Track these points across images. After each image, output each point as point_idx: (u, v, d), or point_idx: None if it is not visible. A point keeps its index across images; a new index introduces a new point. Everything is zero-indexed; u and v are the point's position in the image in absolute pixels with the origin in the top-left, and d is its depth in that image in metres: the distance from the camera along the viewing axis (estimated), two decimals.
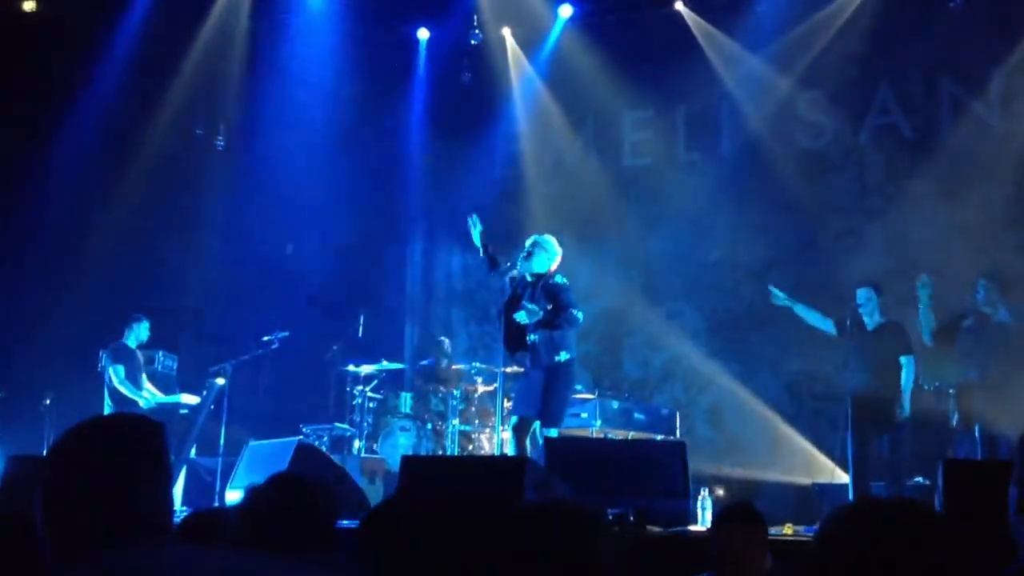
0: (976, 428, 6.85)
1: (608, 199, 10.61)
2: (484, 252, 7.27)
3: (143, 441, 1.84)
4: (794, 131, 10.10)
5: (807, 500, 8.12)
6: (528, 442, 6.89)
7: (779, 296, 7.68)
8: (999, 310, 6.83)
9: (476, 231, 7.24)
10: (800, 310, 7.66)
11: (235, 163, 10.57)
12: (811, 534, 6.31)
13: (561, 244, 7.27)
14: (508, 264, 7.14)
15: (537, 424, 6.87)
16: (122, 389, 8.44)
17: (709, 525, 5.95)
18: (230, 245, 10.22)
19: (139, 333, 8.67)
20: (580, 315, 6.93)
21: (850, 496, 6.97)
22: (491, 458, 7.23)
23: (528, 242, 7.20)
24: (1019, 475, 2.19)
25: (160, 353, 8.87)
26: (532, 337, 6.94)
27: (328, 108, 10.50)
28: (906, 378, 7.02)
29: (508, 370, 7.70)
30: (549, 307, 6.88)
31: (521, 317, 6.86)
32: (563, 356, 6.90)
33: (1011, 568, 2.06)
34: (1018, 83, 9.16)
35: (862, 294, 7.35)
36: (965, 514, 3.95)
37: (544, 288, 6.99)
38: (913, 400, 7.08)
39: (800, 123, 10.12)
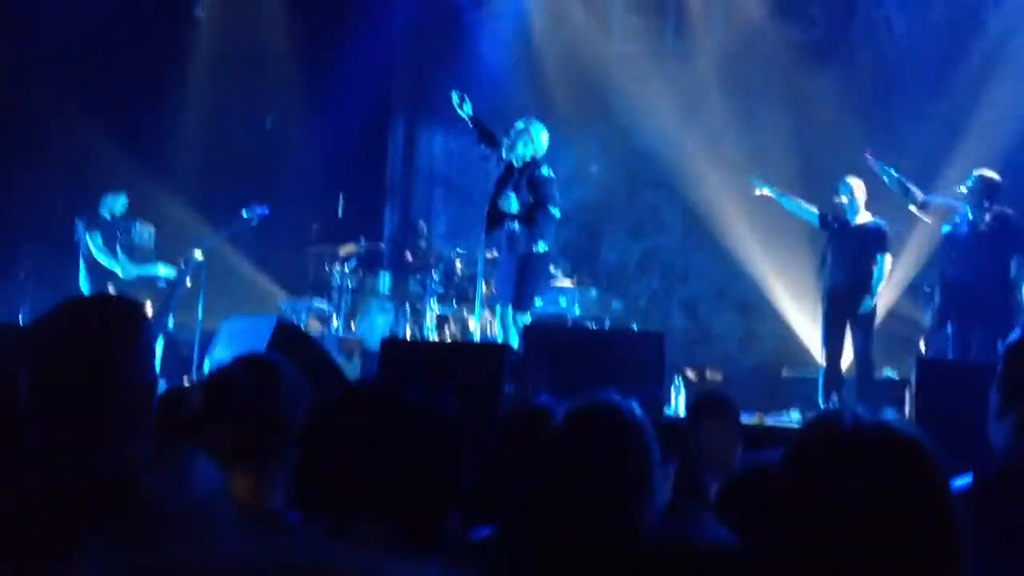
0: (948, 327, 6.93)
1: (595, 85, 10.43)
2: (474, 125, 7.18)
3: (127, 322, 1.83)
4: (786, 22, 9.91)
5: (778, 389, 8.30)
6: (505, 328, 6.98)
7: (762, 186, 7.64)
8: (984, 211, 6.82)
9: (466, 106, 7.16)
10: (785, 202, 7.65)
11: (214, 34, 10.28)
12: (780, 423, 6.46)
13: (547, 129, 7.20)
14: (505, 142, 7.09)
15: (511, 309, 6.95)
16: (99, 258, 8.36)
17: (683, 412, 6.08)
18: (210, 117, 10.02)
19: (114, 205, 8.54)
20: (557, 212, 6.98)
21: (820, 389, 7.11)
22: (471, 344, 7.29)
23: (518, 126, 7.12)
24: (1001, 380, 2.21)
25: (137, 224, 8.75)
26: (512, 226, 6.96)
27: None
28: (878, 275, 7.07)
29: (489, 255, 7.70)
30: (531, 200, 6.87)
31: (505, 204, 6.88)
32: (541, 247, 6.93)
33: (987, 471, 2.09)
34: None
35: (845, 190, 7.33)
36: (939, 414, 4.03)
37: (529, 178, 6.96)
38: (889, 294, 7.16)
39: (792, 13, 9.92)
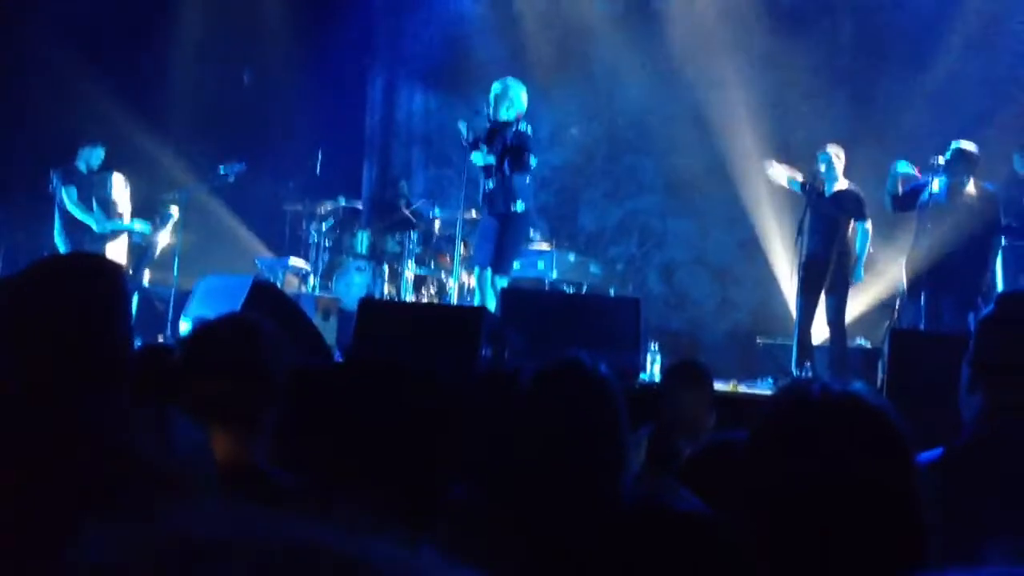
0: (921, 297, 6.98)
1: (576, 45, 10.36)
2: (468, 143, 7.12)
3: (106, 283, 1.83)
4: None
5: (752, 356, 8.35)
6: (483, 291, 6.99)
7: (774, 172, 7.57)
8: (960, 182, 6.86)
9: (465, 129, 7.10)
10: (793, 184, 7.59)
11: None
12: (753, 391, 6.51)
13: (526, 88, 7.17)
14: (484, 105, 7.07)
15: (489, 272, 6.95)
16: (73, 212, 8.26)
17: (658, 377, 6.12)
18: (189, 72, 9.89)
19: (91, 158, 8.43)
20: (534, 161, 6.95)
21: (793, 358, 7.16)
22: (448, 307, 7.29)
23: (497, 87, 7.08)
24: (973, 355, 2.23)
25: (112, 176, 8.64)
26: (489, 184, 6.95)
27: None
28: (860, 244, 7.09)
29: (467, 216, 7.69)
30: (508, 158, 6.86)
31: (476, 159, 6.87)
32: (519, 206, 6.92)
33: (956, 444, 2.12)
34: None
35: (823, 158, 7.33)
36: (911, 385, 4.08)
37: (507, 136, 6.94)
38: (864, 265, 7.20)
39: None
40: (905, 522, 1.27)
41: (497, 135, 7.01)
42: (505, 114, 6.99)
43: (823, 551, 1.26)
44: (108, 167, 8.60)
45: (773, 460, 1.30)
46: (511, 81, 7.17)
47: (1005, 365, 2.16)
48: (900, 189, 7.14)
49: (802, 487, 1.26)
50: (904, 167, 7.09)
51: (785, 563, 1.27)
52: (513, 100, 7.03)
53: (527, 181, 7.02)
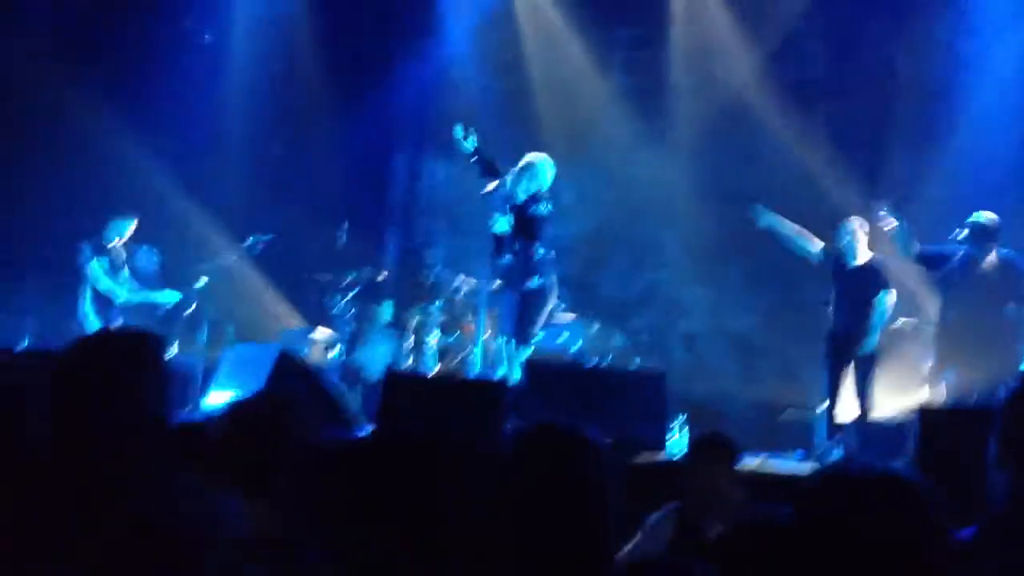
0: (952, 371, 6.94)
1: (597, 118, 10.51)
2: (477, 158, 7.13)
3: (147, 355, 1.90)
4: (787, 60, 9.99)
5: (778, 428, 8.27)
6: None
7: (765, 215, 7.62)
8: (982, 257, 6.85)
9: (469, 139, 7.11)
10: (787, 230, 7.61)
11: (219, 60, 10.38)
12: (778, 464, 6.44)
13: (554, 167, 7.23)
14: (510, 174, 7.10)
15: (512, 343, 6.97)
16: (103, 283, 8.38)
17: (682, 451, 6.07)
18: (217, 143, 10.08)
19: (122, 229, 8.58)
20: (541, 251, 6.96)
21: (822, 431, 7.09)
22: (472, 379, 7.30)
23: (523, 162, 7.16)
24: (1000, 430, 2.23)
25: (144, 248, 8.79)
26: (507, 259, 6.98)
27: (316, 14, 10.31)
28: (879, 314, 7.05)
29: (494, 285, 7.73)
30: (524, 235, 6.90)
31: (494, 227, 6.92)
32: (535, 282, 6.96)
33: (981, 519, 2.12)
34: None
35: (844, 231, 7.35)
36: (939, 463, 4.04)
37: (525, 213, 6.97)
38: (889, 337, 7.17)
39: (793, 52, 10.01)
40: None
41: (514, 207, 7.04)
42: (526, 185, 7.04)
43: None
44: (138, 238, 8.75)
45: (817, 539, 1.31)
46: (541, 157, 7.22)
47: None
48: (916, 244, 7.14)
49: (846, 565, 1.27)
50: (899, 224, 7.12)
51: None
52: (537, 174, 7.09)
53: (543, 255, 7.04)
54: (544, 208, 7.03)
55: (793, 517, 1.36)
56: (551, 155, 7.47)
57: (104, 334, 1.99)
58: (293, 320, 9.63)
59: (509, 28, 10.84)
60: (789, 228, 7.57)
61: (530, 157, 7.19)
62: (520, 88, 10.70)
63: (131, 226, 8.63)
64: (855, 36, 9.80)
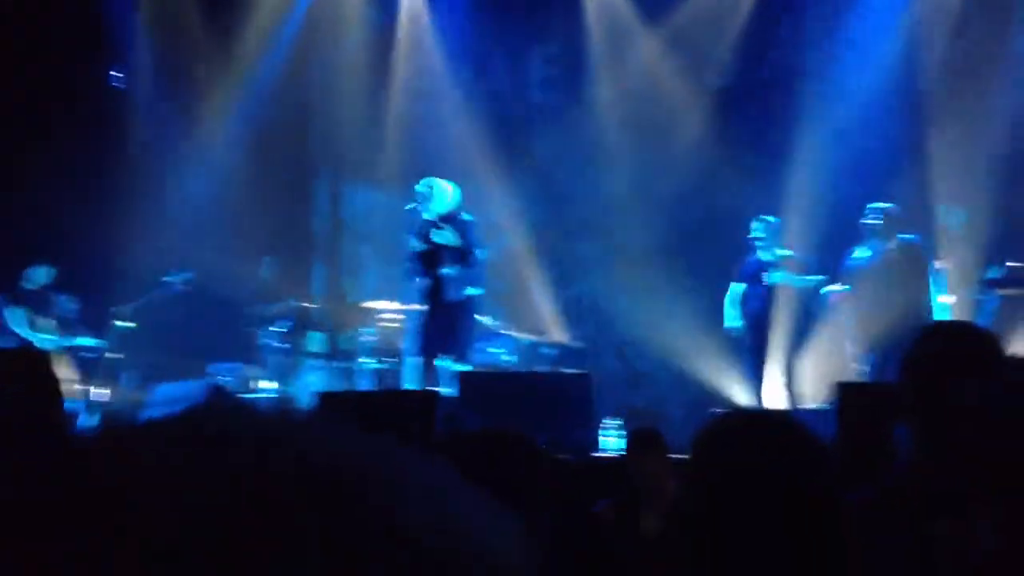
0: (871, 357, 7.15)
1: (516, 135, 10.61)
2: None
3: (31, 365, 1.88)
4: (699, 68, 10.23)
5: None
6: (430, 379, 7.05)
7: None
8: (892, 241, 7.11)
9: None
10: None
11: (132, 102, 10.29)
12: None
13: (469, 180, 7.39)
14: (416, 204, 7.28)
15: (442, 360, 7.03)
16: (20, 332, 8.20)
17: (612, 452, 6.15)
18: (131, 182, 9.95)
19: (37, 276, 8.41)
20: (483, 255, 7.15)
21: None
22: (402, 392, 7.31)
23: (422, 186, 7.34)
24: (902, 382, 2.31)
25: (61, 296, 8.62)
26: (445, 271, 7.08)
27: None
28: (797, 280, 7.35)
29: (417, 307, 7.76)
30: (460, 243, 7.03)
31: (439, 238, 7.02)
32: (471, 291, 7.04)
33: (888, 475, 2.19)
34: None
35: (758, 228, 7.56)
36: (857, 434, 4.15)
37: (453, 225, 7.10)
38: (813, 328, 7.38)
39: (705, 59, 10.25)
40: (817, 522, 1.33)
41: (438, 228, 7.17)
42: (438, 206, 7.24)
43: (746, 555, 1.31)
44: (55, 285, 8.59)
45: (704, 475, 1.37)
46: (431, 181, 7.45)
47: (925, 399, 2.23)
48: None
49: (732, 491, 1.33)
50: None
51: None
52: (442, 190, 7.30)
53: (474, 268, 7.16)
54: (467, 215, 7.19)
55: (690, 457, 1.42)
56: (473, 174, 7.66)
57: None
58: (219, 357, 9.50)
59: (424, 54, 10.92)
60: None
61: (426, 181, 7.41)
62: (440, 110, 10.76)
63: (48, 273, 8.48)
64: (762, 41, 10.09)
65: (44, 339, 8.26)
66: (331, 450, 0.46)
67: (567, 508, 4.37)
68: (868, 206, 7.29)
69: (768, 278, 7.49)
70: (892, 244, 7.11)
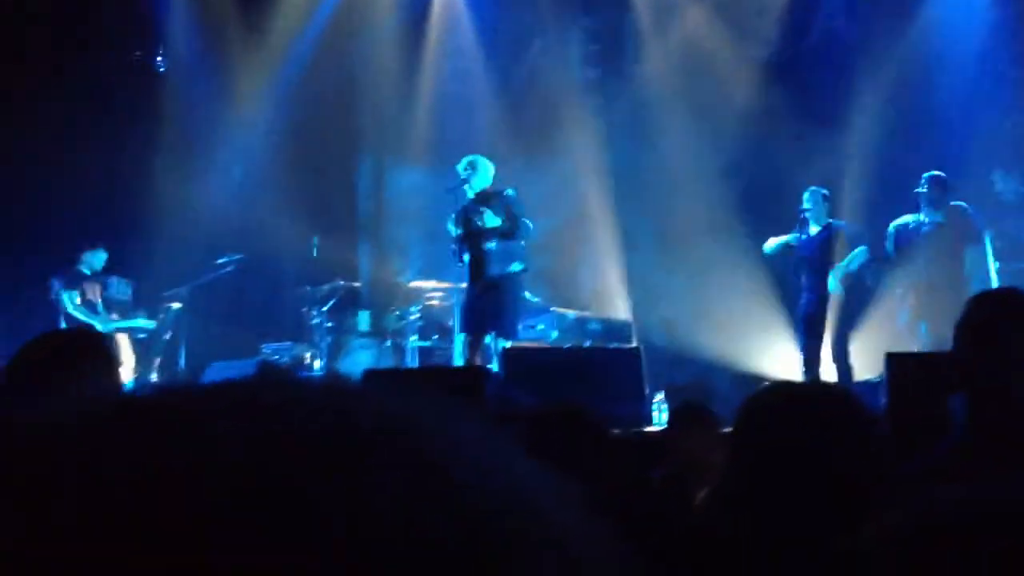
0: (922, 327, 7.05)
1: (558, 113, 10.57)
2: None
3: (93, 347, 1.92)
4: (740, 40, 10.11)
5: None
6: (479, 356, 7.07)
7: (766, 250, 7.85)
8: (940, 211, 7.00)
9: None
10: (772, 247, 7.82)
11: (175, 86, 10.41)
12: None
13: (512, 159, 7.40)
14: (457, 185, 7.31)
15: (490, 337, 7.05)
16: (77, 315, 8.36)
17: (662, 427, 6.14)
18: (180, 170, 10.08)
19: (93, 261, 8.58)
20: (532, 224, 7.13)
21: None
22: (451, 368, 7.36)
23: (463, 164, 7.34)
24: (952, 361, 2.29)
25: (114, 279, 8.79)
26: (489, 246, 7.10)
27: None
28: (850, 260, 7.26)
29: (463, 285, 7.79)
30: (503, 218, 7.05)
31: (482, 221, 7.03)
32: (516, 266, 7.06)
33: (944, 442, 2.17)
34: None
35: (809, 198, 7.48)
36: (909, 403, 4.11)
37: (496, 201, 7.12)
38: (862, 299, 7.30)
39: (750, 29, 10.13)
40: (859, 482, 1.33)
41: (484, 203, 7.18)
42: (479, 183, 7.26)
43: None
44: (109, 269, 8.75)
45: (751, 439, 1.37)
46: (474, 159, 7.46)
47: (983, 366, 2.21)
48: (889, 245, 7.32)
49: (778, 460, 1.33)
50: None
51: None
52: (482, 166, 7.34)
53: (518, 243, 7.17)
54: (511, 191, 7.22)
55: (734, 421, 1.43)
56: (514, 153, 7.66)
57: (50, 333, 2.02)
58: (271, 337, 9.63)
59: (464, 33, 10.91)
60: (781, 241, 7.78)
61: (467, 159, 7.42)
62: (481, 89, 10.75)
63: (102, 257, 8.63)
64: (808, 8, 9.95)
65: (100, 322, 8.43)
66: (390, 410, 0.46)
67: (625, 481, 4.39)
68: (923, 176, 7.15)
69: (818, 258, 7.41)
70: (945, 212, 6.99)
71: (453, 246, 7.43)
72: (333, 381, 0.51)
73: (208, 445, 0.40)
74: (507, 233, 7.07)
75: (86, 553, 0.36)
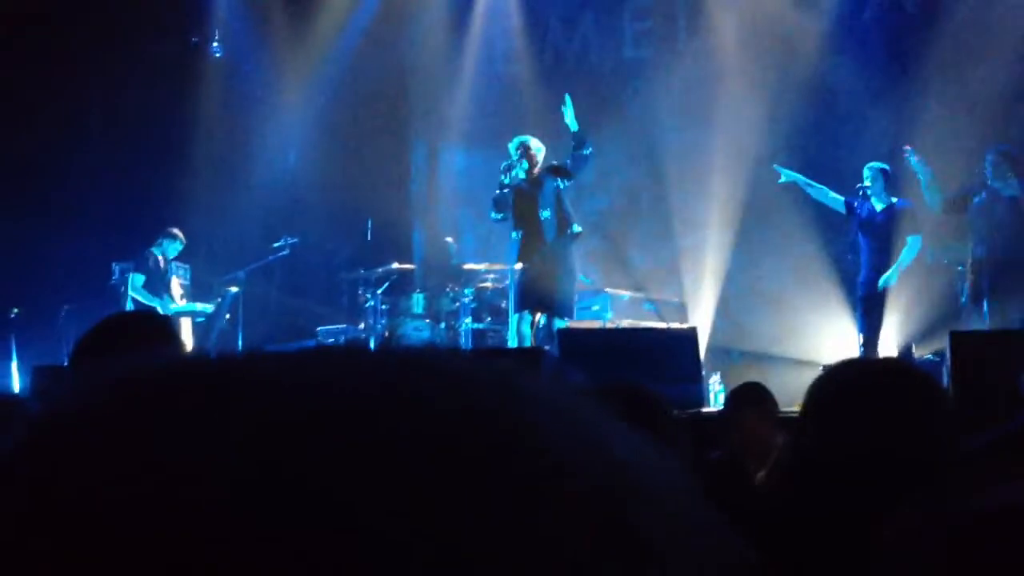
0: (984, 304, 6.91)
1: (610, 93, 10.50)
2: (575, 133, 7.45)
3: (158, 328, 1.96)
4: (797, 11, 9.94)
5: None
6: (534, 336, 7.11)
7: (786, 174, 7.68)
8: (1009, 184, 6.83)
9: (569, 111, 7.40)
10: (811, 190, 7.67)
11: (230, 71, 10.51)
12: None
13: (564, 140, 7.40)
14: (510, 168, 7.34)
15: (544, 318, 7.07)
16: (140, 298, 8.52)
17: (721, 407, 6.11)
18: (232, 155, 10.21)
19: (169, 248, 8.71)
20: (578, 227, 7.18)
21: None
22: (505, 350, 7.37)
23: (515, 145, 7.36)
24: None
25: (173, 264, 8.93)
26: (545, 214, 7.15)
27: None
28: (906, 255, 7.08)
29: (517, 266, 7.80)
30: (554, 193, 7.13)
31: (535, 192, 7.09)
32: (575, 228, 7.14)
33: (1016, 421, 2.13)
34: None
35: (868, 174, 7.35)
36: (974, 383, 4.04)
37: (547, 176, 7.18)
38: (921, 276, 7.17)
39: (805, 5, 9.95)
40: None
41: (538, 181, 7.22)
42: (532, 162, 7.28)
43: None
44: (178, 257, 8.91)
45: (825, 422, 1.35)
46: (524, 140, 7.47)
47: None
48: (937, 186, 7.12)
49: (852, 447, 1.31)
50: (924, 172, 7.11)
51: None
52: (533, 146, 7.35)
53: (570, 208, 7.32)
54: (562, 183, 7.26)
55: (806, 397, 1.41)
56: (567, 135, 7.69)
57: (116, 314, 2.06)
58: (326, 320, 9.74)
59: (513, 15, 10.87)
60: (813, 184, 7.63)
61: (518, 139, 7.46)
62: (533, 71, 10.72)
63: (178, 247, 8.77)
64: None
65: (162, 305, 8.57)
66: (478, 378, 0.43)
67: (684, 461, 4.37)
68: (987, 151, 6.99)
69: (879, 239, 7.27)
70: (1010, 191, 6.82)
71: (506, 221, 7.50)
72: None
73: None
74: (557, 201, 7.11)
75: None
